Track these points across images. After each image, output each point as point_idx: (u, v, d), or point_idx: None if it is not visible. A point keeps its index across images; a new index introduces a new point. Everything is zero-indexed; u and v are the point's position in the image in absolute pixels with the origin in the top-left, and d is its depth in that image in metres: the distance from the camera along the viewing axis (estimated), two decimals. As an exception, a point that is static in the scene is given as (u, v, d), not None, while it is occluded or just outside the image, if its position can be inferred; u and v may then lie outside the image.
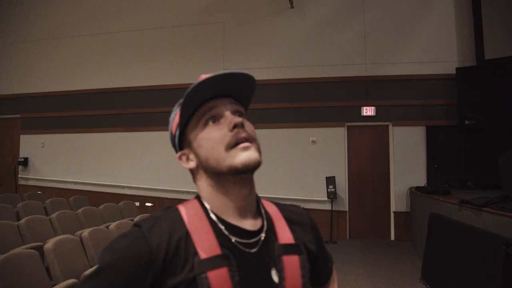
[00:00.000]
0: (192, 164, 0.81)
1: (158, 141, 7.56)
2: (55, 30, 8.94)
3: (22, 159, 8.86)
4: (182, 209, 0.79)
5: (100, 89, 8.43)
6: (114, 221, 4.33)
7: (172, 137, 0.86)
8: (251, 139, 0.76)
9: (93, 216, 5.08)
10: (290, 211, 0.92)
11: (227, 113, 0.79)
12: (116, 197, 7.46)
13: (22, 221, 3.94)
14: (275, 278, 0.77)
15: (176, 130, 0.83)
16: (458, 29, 6.82)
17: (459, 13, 6.83)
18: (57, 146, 8.70)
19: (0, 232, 3.55)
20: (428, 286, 4.17)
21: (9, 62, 9.26)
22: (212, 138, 0.77)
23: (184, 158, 0.83)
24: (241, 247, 0.76)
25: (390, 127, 7.01)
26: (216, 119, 0.79)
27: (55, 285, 2.56)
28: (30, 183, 8.80)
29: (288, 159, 7.17)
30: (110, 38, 8.50)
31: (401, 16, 7.05)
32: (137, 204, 7.39)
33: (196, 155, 0.80)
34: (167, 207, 0.83)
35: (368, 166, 7.11)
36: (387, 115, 6.95)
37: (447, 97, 6.65)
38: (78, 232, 3.81)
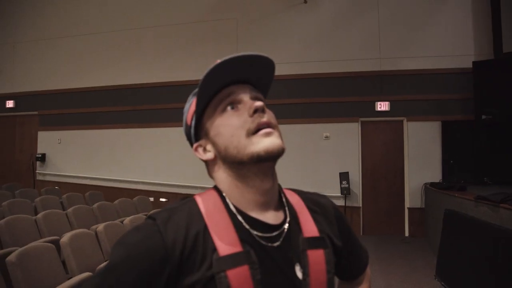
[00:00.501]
0: (210, 155, 0.76)
1: (172, 137, 7.64)
2: (71, 29, 9.07)
3: (40, 155, 9.04)
4: (199, 200, 0.75)
5: (115, 85, 8.54)
6: (129, 216, 4.39)
7: (187, 128, 0.81)
8: (272, 125, 0.72)
9: (108, 211, 5.14)
10: (314, 201, 0.87)
11: (247, 98, 0.74)
12: (131, 193, 7.55)
13: (40, 215, 4.01)
14: (299, 274, 0.73)
15: (191, 120, 0.79)
16: (475, 22, 6.68)
17: (476, 5, 6.69)
18: (74, 142, 8.85)
19: (18, 226, 3.62)
20: (442, 283, 4.13)
21: (27, 60, 9.43)
22: (231, 125, 0.72)
23: (200, 149, 0.78)
24: (263, 242, 0.71)
25: (405, 122, 6.93)
26: (235, 105, 0.74)
27: (71, 278, 2.59)
28: (48, 178, 8.98)
29: (302, 155, 7.15)
30: (125, 36, 8.59)
31: (416, 9, 6.94)
32: (152, 199, 7.49)
33: (214, 144, 0.75)
34: (183, 197, 0.79)
35: (382, 162, 7.05)
36: (401, 110, 6.88)
37: (463, 92, 6.53)
38: (94, 227, 3.86)
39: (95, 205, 5.06)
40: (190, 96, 0.81)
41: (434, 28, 6.86)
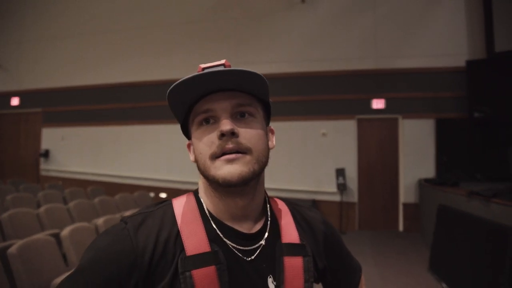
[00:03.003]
0: (192, 157, 0.77)
1: (172, 133, 7.70)
2: (74, 27, 9.18)
3: (44, 151, 9.18)
4: (176, 204, 0.75)
5: (117, 83, 8.63)
6: (128, 210, 4.49)
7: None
8: (242, 149, 0.68)
9: (108, 206, 5.21)
10: (302, 213, 0.84)
11: (222, 114, 0.70)
12: (132, 188, 7.65)
13: (41, 209, 4.09)
14: (271, 286, 0.71)
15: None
16: (468, 22, 6.70)
17: (469, 5, 6.71)
18: (76, 139, 8.98)
19: (21, 219, 3.69)
20: (436, 276, 4.20)
21: (32, 59, 9.56)
22: (201, 143, 0.70)
23: (191, 148, 0.78)
24: (237, 253, 0.71)
25: (400, 119, 6.97)
26: (210, 119, 0.71)
27: (70, 270, 2.61)
28: (51, 174, 9.11)
29: (299, 151, 7.22)
30: (126, 34, 8.67)
31: (411, 9, 6.97)
32: (152, 195, 7.59)
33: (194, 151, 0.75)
34: (162, 200, 0.78)
35: (378, 158, 7.09)
36: (397, 108, 6.92)
37: (457, 90, 6.57)
38: (94, 221, 3.92)
39: (96, 200, 5.14)
40: None
41: (429, 27, 6.88)
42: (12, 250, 2.44)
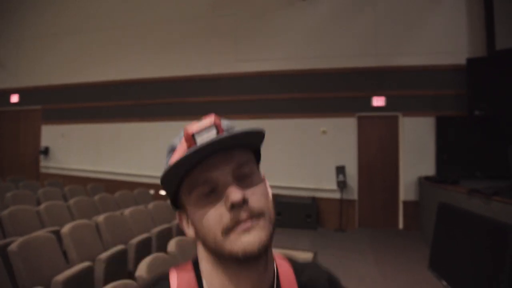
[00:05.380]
0: (192, 232, 0.66)
1: (172, 131, 7.66)
2: (74, 25, 9.18)
3: (44, 149, 9.18)
4: (173, 283, 0.68)
5: (117, 80, 8.63)
6: (128, 208, 4.49)
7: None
8: (255, 215, 0.61)
9: (108, 203, 5.23)
10: (306, 274, 0.78)
11: (225, 180, 0.61)
12: (132, 185, 7.65)
13: (42, 206, 4.10)
14: None
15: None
16: (469, 19, 6.69)
17: (469, 3, 6.70)
18: (76, 136, 8.99)
19: (21, 217, 3.70)
20: (436, 274, 4.20)
21: (31, 56, 9.55)
22: (207, 219, 0.61)
23: (184, 220, 0.68)
24: None
25: (400, 117, 6.97)
26: (212, 190, 0.62)
27: (71, 267, 2.64)
28: (51, 171, 9.12)
29: (299, 149, 7.23)
30: (126, 31, 8.67)
31: (412, 7, 6.95)
32: (152, 192, 7.59)
33: (193, 226, 0.65)
34: (159, 276, 0.71)
35: (378, 156, 7.10)
36: (397, 106, 6.91)
37: (457, 88, 6.55)
38: (94, 218, 3.94)
39: (96, 197, 5.15)
40: (169, 150, 0.72)
41: (429, 25, 6.87)
42: (13, 247, 2.45)
